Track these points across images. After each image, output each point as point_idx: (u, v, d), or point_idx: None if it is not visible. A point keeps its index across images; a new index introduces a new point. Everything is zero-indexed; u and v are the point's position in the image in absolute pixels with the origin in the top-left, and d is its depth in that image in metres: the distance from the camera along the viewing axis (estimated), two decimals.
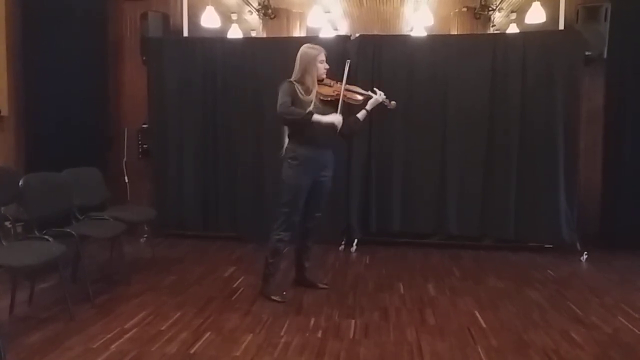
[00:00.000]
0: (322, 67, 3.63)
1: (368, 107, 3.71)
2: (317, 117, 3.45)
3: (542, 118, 4.96)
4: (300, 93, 3.53)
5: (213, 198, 5.50)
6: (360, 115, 3.72)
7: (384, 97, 3.70)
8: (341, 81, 3.65)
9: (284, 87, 3.55)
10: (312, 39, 5.97)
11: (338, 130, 3.52)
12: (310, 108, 3.48)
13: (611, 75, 5.08)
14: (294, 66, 3.64)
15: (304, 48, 3.65)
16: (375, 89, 3.75)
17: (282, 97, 3.49)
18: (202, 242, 5.33)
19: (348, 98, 3.63)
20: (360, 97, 3.69)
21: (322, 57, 3.63)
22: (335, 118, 3.49)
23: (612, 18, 4.92)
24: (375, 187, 5.24)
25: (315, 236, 3.92)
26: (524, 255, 4.97)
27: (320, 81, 3.64)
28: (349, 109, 3.74)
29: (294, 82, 3.58)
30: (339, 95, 3.59)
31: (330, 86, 3.66)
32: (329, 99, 3.61)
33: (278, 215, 3.69)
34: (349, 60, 3.75)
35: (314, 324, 3.29)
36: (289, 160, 3.60)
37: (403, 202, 5.21)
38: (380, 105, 3.75)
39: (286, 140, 3.65)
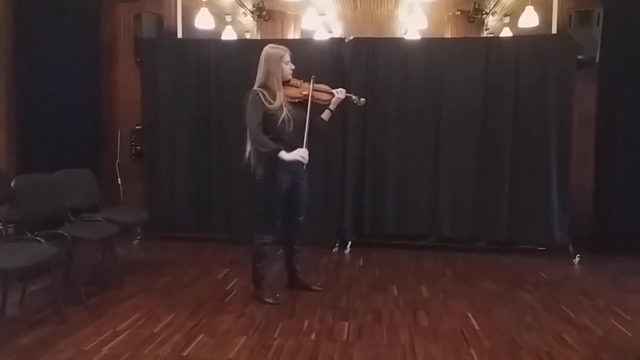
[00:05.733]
0: (288, 68, 3.59)
1: (331, 106, 3.69)
2: (282, 154, 3.41)
3: (534, 121, 4.98)
4: (268, 102, 3.47)
5: (206, 200, 5.48)
6: (325, 115, 3.71)
7: (346, 93, 3.68)
8: (308, 80, 3.61)
9: (252, 101, 3.48)
10: (305, 41, 6.00)
11: (304, 166, 3.46)
12: (283, 114, 3.45)
13: (603, 79, 5.11)
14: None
15: (268, 49, 3.58)
16: (339, 89, 3.72)
17: (254, 118, 3.44)
18: (195, 244, 5.31)
19: (316, 99, 3.61)
20: (327, 97, 3.66)
21: (287, 57, 3.58)
22: (300, 153, 3.42)
23: (604, 22, 4.96)
24: (368, 189, 5.24)
25: (301, 239, 3.90)
26: (516, 257, 4.99)
27: (286, 82, 3.60)
28: (317, 108, 3.68)
29: (259, 91, 3.50)
30: (306, 96, 3.56)
31: (297, 87, 3.62)
32: (297, 100, 3.58)
33: (259, 220, 3.69)
34: (313, 77, 3.64)
35: (307, 326, 3.29)
36: (266, 164, 3.54)
37: (396, 204, 5.22)
38: (349, 103, 3.75)
39: (248, 146, 3.59)
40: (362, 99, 3.74)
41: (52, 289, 3.50)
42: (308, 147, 3.45)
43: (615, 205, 5.04)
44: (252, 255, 3.74)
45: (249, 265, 3.78)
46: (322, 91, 3.68)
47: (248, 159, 3.64)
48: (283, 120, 3.48)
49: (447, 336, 3.17)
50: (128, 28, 5.71)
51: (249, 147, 3.60)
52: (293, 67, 3.63)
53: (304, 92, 3.59)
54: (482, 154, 5.10)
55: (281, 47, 3.60)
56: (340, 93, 3.68)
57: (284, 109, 3.50)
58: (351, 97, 3.72)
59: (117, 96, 5.84)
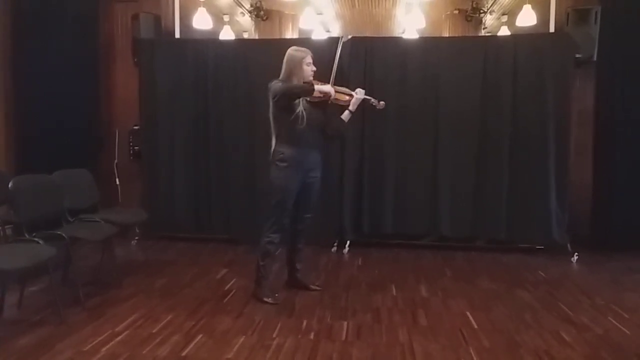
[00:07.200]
0: (309, 70, 3.65)
1: (351, 107, 3.73)
2: (317, 86, 3.52)
3: (533, 120, 4.99)
4: None
5: (205, 200, 5.47)
6: (345, 116, 3.75)
7: (364, 94, 3.74)
8: (328, 83, 3.67)
9: (275, 82, 3.58)
10: (304, 40, 5.99)
11: (330, 99, 3.57)
12: (299, 109, 3.53)
13: (601, 78, 5.11)
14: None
15: (290, 51, 3.67)
16: (358, 89, 3.79)
17: (278, 85, 3.53)
18: (194, 244, 5.30)
19: (335, 99, 3.67)
20: (347, 97, 3.73)
21: (309, 59, 3.65)
22: (329, 87, 3.58)
23: (602, 21, 4.96)
24: (367, 188, 5.24)
25: (306, 237, 3.92)
26: (515, 256, 4.99)
27: (307, 83, 3.65)
28: (336, 110, 3.74)
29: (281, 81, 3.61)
30: (325, 96, 3.62)
31: None
32: (317, 99, 3.63)
33: (268, 218, 3.71)
34: (342, 37, 3.73)
35: (306, 325, 3.29)
36: (277, 162, 3.62)
37: (395, 203, 5.22)
38: (368, 106, 3.80)
39: (274, 143, 3.67)
40: (382, 102, 3.77)
41: (51, 290, 3.50)
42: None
43: (615, 204, 5.05)
44: (258, 252, 3.74)
45: (249, 264, 3.78)
46: (341, 92, 3.73)
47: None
48: (297, 115, 3.53)
49: (446, 335, 3.17)
50: (126, 28, 5.69)
51: (274, 145, 3.66)
52: (314, 68, 3.68)
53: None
54: (481, 152, 5.10)
55: (303, 49, 3.68)
56: (359, 94, 3.75)
57: (301, 105, 3.56)
58: (370, 99, 3.76)
59: (115, 96, 5.82)
